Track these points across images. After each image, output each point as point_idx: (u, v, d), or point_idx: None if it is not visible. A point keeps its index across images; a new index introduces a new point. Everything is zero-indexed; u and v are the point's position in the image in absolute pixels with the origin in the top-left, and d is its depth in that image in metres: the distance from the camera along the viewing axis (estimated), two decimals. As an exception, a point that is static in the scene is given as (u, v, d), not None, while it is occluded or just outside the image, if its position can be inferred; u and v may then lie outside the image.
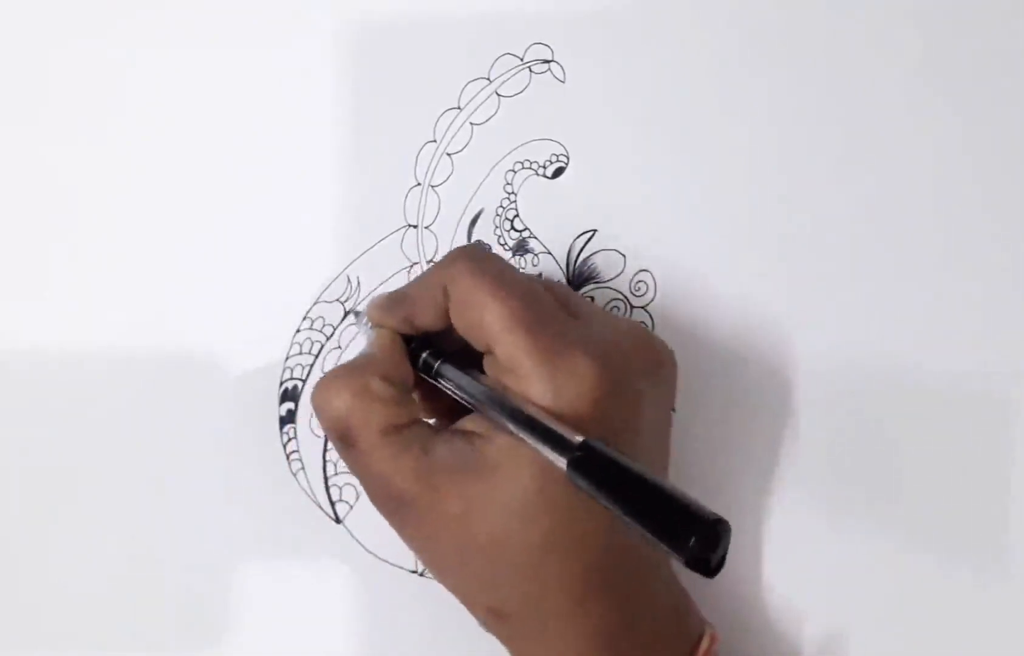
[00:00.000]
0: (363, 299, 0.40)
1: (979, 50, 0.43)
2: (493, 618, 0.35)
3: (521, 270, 0.41)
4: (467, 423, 0.35)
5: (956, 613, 0.43)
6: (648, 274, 0.42)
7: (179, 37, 0.40)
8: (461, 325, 0.34)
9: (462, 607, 0.40)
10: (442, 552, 0.34)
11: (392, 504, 0.34)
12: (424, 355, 0.36)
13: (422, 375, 0.36)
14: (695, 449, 0.41)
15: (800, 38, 0.42)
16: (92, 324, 0.39)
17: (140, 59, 0.40)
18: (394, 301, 0.37)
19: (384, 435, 0.33)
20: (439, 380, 0.36)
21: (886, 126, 0.42)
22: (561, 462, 0.30)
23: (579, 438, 0.30)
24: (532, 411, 0.32)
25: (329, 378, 0.34)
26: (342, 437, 0.34)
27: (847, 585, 0.42)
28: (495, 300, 0.33)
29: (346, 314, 0.40)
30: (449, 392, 0.35)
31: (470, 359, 0.35)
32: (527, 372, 0.33)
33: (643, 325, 0.38)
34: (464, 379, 0.35)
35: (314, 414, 0.35)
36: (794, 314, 0.42)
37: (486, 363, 0.35)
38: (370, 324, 0.37)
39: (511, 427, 0.32)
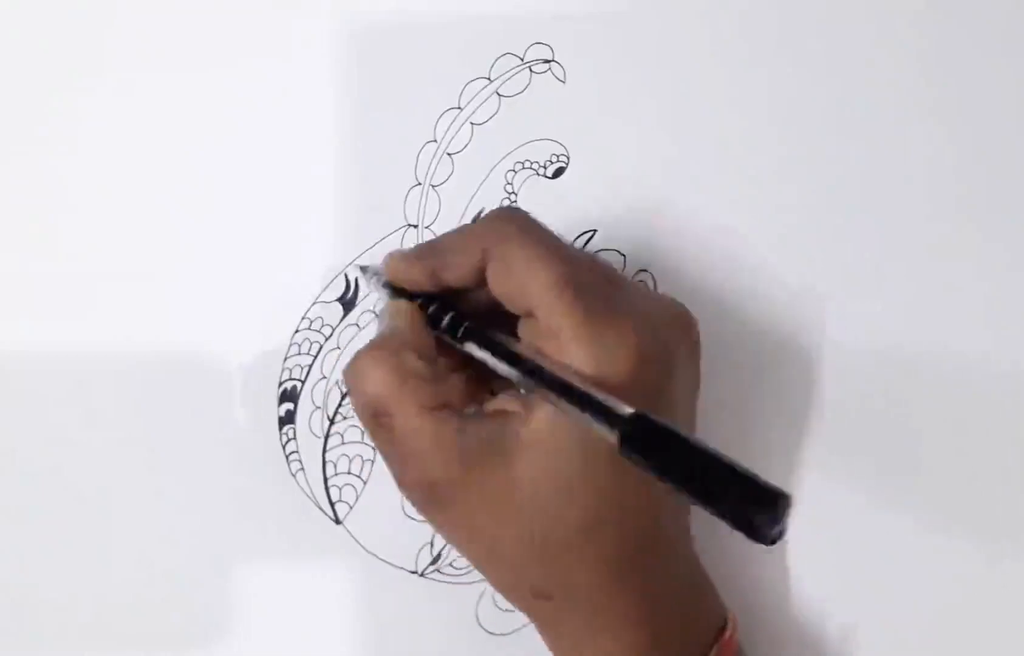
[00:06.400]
0: (363, 299, 0.40)
1: (991, 35, 0.43)
2: (537, 601, 0.35)
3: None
4: (501, 402, 0.34)
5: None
6: (648, 274, 0.42)
7: (180, 38, 0.40)
8: (500, 287, 0.34)
9: (463, 608, 0.41)
10: (480, 538, 0.34)
11: (426, 489, 0.34)
12: (448, 318, 0.35)
13: (443, 338, 0.35)
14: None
15: (800, 35, 0.42)
16: (92, 324, 0.39)
17: (141, 58, 0.40)
18: (423, 253, 0.36)
19: (421, 415, 0.33)
20: (465, 345, 0.35)
21: (885, 122, 0.43)
22: (612, 436, 0.29)
23: (629, 410, 0.29)
24: (578, 382, 0.31)
25: (363, 355, 0.34)
26: (376, 417, 0.34)
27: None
28: (543, 263, 0.33)
29: (346, 313, 0.40)
30: (477, 358, 0.34)
31: (491, 324, 0.35)
32: (570, 337, 0.32)
33: (679, 301, 0.37)
34: (498, 345, 0.34)
35: (349, 393, 0.34)
36: (794, 312, 0.42)
37: (522, 329, 0.34)
38: (383, 281, 0.37)
39: (553, 397, 0.32)
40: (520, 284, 0.33)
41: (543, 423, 0.33)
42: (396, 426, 0.33)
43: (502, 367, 0.34)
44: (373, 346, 0.34)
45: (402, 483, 0.34)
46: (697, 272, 0.42)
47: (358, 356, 0.34)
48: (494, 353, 0.34)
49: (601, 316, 0.33)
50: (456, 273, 0.35)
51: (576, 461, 0.33)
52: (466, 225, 0.37)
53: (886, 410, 0.43)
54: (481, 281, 0.35)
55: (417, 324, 0.35)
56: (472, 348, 0.35)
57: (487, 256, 0.34)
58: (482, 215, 0.41)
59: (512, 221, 0.35)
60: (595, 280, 0.34)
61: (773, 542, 0.27)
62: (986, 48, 0.43)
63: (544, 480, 0.33)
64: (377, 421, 0.34)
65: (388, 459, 0.35)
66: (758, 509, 0.26)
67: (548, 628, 0.36)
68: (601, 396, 0.31)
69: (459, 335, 0.35)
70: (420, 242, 0.39)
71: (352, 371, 0.34)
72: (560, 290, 0.33)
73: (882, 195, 0.43)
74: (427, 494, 0.34)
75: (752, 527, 0.26)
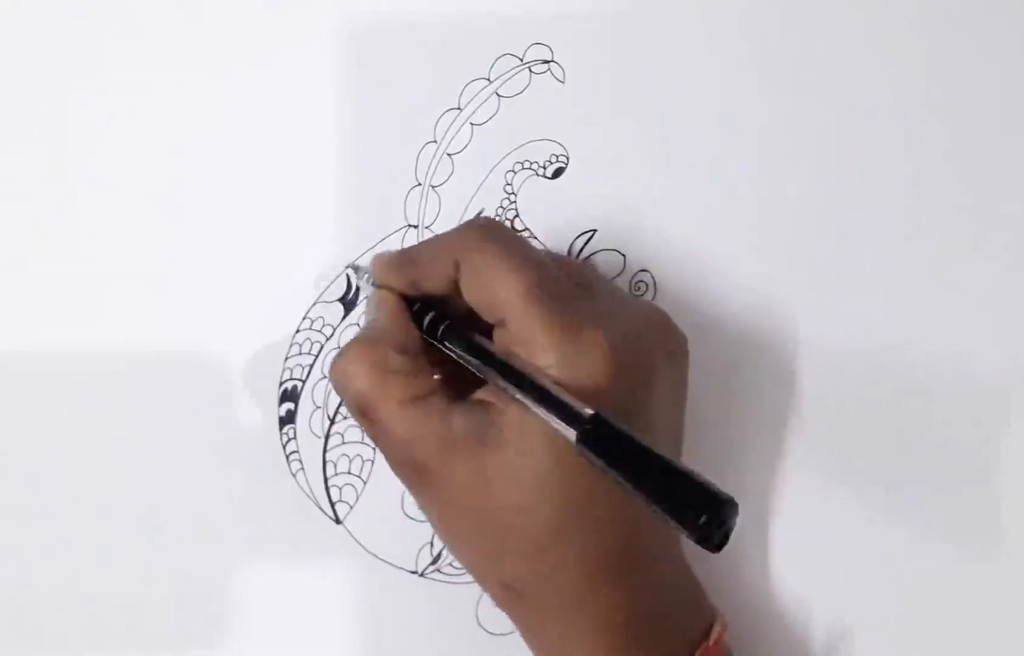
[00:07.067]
0: (363, 299, 0.40)
1: (991, 35, 0.43)
2: (505, 593, 0.35)
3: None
4: (484, 393, 0.34)
5: (962, 602, 0.43)
6: (648, 274, 0.42)
7: (180, 38, 0.40)
8: (473, 296, 0.34)
9: (463, 608, 0.41)
10: (458, 523, 0.35)
11: (412, 473, 0.34)
12: (428, 318, 0.36)
13: (426, 337, 0.36)
14: (698, 444, 0.41)
15: (800, 35, 0.42)
16: (92, 324, 0.39)
17: (142, 59, 0.39)
18: (402, 262, 0.37)
19: (404, 407, 0.34)
20: (445, 345, 0.35)
21: (885, 123, 0.43)
22: (571, 434, 0.30)
23: (589, 411, 0.30)
24: (542, 380, 0.32)
25: (346, 353, 0.35)
26: (362, 411, 0.34)
27: (854, 574, 0.43)
28: (510, 272, 0.33)
29: (347, 313, 0.40)
30: (455, 357, 0.35)
31: (474, 324, 0.35)
32: (540, 345, 0.33)
33: (659, 307, 0.38)
34: (472, 346, 0.35)
35: (332, 389, 0.35)
36: (794, 312, 0.42)
37: (496, 335, 0.35)
38: (372, 281, 0.37)
39: (519, 396, 0.32)
40: (490, 293, 0.34)
41: (517, 418, 0.33)
42: (382, 419, 0.34)
43: (476, 365, 0.34)
44: (354, 345, 0.35)
45: (392, 467, 0.35)
46: (697, 272, 0.42)
47: (341, 355, 0.35)
48: (468, 352, 0.35)
49: (571, 323, 0.33)
50: (431, 283, 0.36)
51: (547, 460, 0.33)
52: (441, 233, 0.37)
53: (884, 411, 0.43)
54: (458, 289, 0.35)
55: (399, 318, 0.36)
56: (450, 348, 0.35)
57: (459, 266, 0.35)
58: (482, 216, 0.41)
59: (481, 230, 0.35)
60: (565, 287, 0.34)
61: (719, 547, 0.27)
62: (986, 48, 0.43)
63: (515, 475, 0.33)
64: (364, 415, 0.34)
65: (378, 447, 0.35)
66: (703, 512, 0.27)
67: (523, 626, 0.36)
68: (562, 395, 0.31)
69: (439, 335, 0.36)
70: (402, 248, 0.39)
71: (336, 370, 0.35)
72: (529, 298, 0.33)
73: (882, 195, 0.43)
74: (413, 479, 0.35)
75: (696, 529, 0.27)
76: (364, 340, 0.35)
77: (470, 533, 0.34)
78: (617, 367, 0.33)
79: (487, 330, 0.35)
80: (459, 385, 0.35)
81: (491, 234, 0.35)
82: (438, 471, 0.34)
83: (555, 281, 0.34)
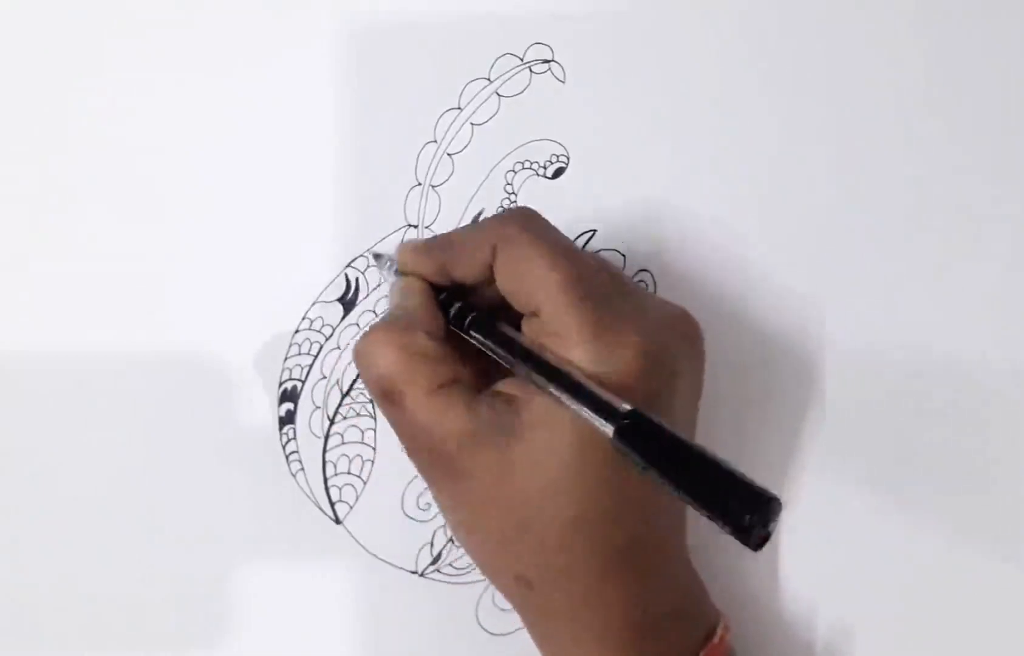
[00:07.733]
0: (363, 299, 0.40)
1: (991, 35, 0.43)
2: (518, 587, 0.35)
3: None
4: (507, 385, 0.34)
5: (963, 603, 0.43)
6: (648, 274, 0.42)
7: (181, 38, 0.40)
8: (508, 285, 0.34)
9: (463, 608, 0.41)
10: (476, 513, 0.34)
11: (432, 461, 0.34)
12: (455, 307, 0.36)
13: (452, 328, 0.36)
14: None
15: (800, 35, 0.42)
16: (92, 324, 0.39)
17: (142, 59, 0.40)
18: (434, 247, 0.37)
19: (429, 394, 0.33)
20: (471, 335, 0.35)
21: (885, 123, 0.43)
22: (608, 429, 0.30)
23: (627, 406, 0.30)
24: (578, 375, 0.32)
25: (373, 334, 0.34)
26: (386, 394, 0.34)
27: (860, 576, 0.43)
28: (550, 263, 0.33)
29: (346, 313, 0.40)
30: (481, 348, 0.35)
31: (499, 317, 0.35)
32: (574, 338, 0.33)
33: (679, 305, 0.38)
34: (502, 337, 0.34)
35: (359, 371, 0.35)
36: (793, 312, 0.42)
37: (526, 326, 0.35)
38: (395, 269, 0.37)
39: (553, 390, 0.32)
40: (528, 283, 0.34)
41: (542, 410, 0.33)
42: (406, 405, 0.34)
43: (506, 357, 0.34)
44: (383, 326, 0.35)
45: (410, 453, 0.35)
46: (697, 272, 0.42)
47: (368, 335, 0.35)
48: (498, 343, 0.34)
49: (606, 320, 0.33)
50: (465, 269, 0.36)
51: (570, 452, 0.33)
52: (479, 222, 0.37)
53: (883, 412, 0.43)
54: (490, 277, 0.35)
55: (428, 304, 0.36)
56: (477, 338, 0.35)
57: (496, 254, 0.35)
58: (482, 216, 0.41)
59: (522, 220, 0.35)
60: (602, 284, 0.34)
61: (759, 546, 0.27)
62: (986, 48, 0.43)
63: (538, 467, 0.33)
64: (387, 398, 0.34)
65: (398, 433, 0.35)
66: (748, 511, 0.27)
67: (532, 620, 0.36)
68: (598, 390, 0.31)
69: (465, 325, 0.36)
70: (431, 237, 0.39)
71: (363, 350, 0.35)
72: (567, 292, 0.33)
73: (882, 195, 0.43)
74: (434, 467, 0.35)
75: (741, 528, 0.27)
76: (392, 322, 0.35)
77: (489, 524, 0.34)
78: (644, 364, 0.33)
79: (513, 322, 0.35)
80: (480, 378, 0.35)
81: (530, 224, 0.35)
82: (460, 460, 0.33)
83: (592, 277, 0.34)
